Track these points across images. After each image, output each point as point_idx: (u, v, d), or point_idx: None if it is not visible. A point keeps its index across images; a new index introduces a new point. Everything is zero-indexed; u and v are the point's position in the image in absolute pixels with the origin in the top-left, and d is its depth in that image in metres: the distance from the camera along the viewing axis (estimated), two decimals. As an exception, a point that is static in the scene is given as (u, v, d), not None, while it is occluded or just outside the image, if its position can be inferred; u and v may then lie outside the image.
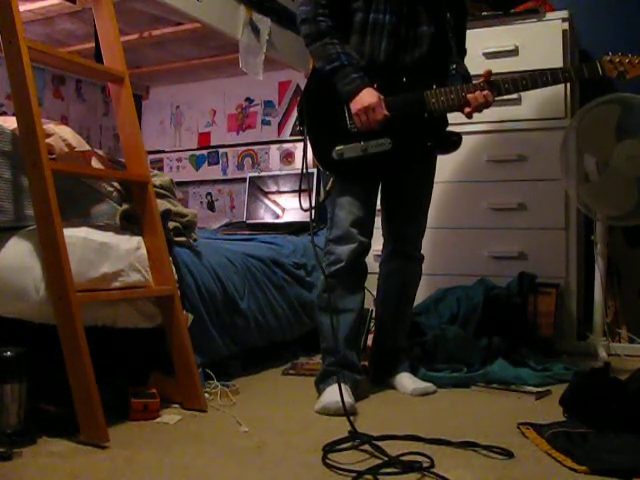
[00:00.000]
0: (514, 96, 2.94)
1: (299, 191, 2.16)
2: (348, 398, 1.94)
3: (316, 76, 2.13)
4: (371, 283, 2.60)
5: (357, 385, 2.09)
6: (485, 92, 2.05)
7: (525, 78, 2.07)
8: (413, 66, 2.08)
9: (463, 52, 2.25)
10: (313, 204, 2.13)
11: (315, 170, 2.95)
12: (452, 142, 2.15)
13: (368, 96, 2.02)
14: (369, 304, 2.71)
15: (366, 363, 2.36)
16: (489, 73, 2.07)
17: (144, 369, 2.05)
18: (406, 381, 2.22)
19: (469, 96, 2.05)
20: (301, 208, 2.14)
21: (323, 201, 2.14)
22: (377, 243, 2.30)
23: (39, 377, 1.71)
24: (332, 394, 1.93)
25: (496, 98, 2.08)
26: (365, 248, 2.13)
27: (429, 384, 2.21)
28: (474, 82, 2.10)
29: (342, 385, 1.99)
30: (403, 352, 2.32)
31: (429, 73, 2.10)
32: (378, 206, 2.24)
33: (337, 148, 2.06)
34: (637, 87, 2.48)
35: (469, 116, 2.09)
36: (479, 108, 2.07)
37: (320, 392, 2.04)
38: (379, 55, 2.07)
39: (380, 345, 2.34)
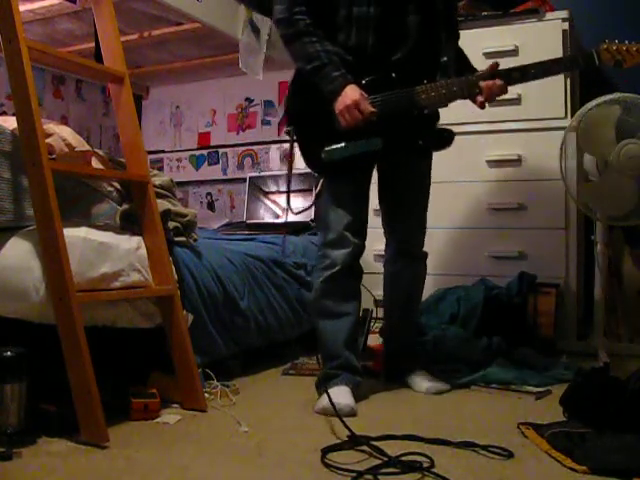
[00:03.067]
0: (514, 96, 2.95)
1: (287, 191, 2.15)
2: (350, 400, 1.95)
3: (300, 75, 2.08)
4: (371, 283, 2.61)
5: (358, 386, 2.09)
6: (497, 81, 1.99)
7: (518, 70, 2.02)
8: (403, 60, 2.02)
9: (456, 36, 2.20)
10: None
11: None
12: (444, 139, 2.10)
13: (350, 94, 1.95)
14: (369, 304, 2.71)
15: (367, 363, 2.36)
16: (496, 64, 2.02)
17: (144, 369, 2.05)
18: (420, 380, 2.21)
19: (482, 84, 2.00)
20: (290, 211, 2.14)
21: (312, 204, 2.12)
22: (379, 243, 2.29)
23: (39, 377, 1.70)
24: (333, 395, 1.92)
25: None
26: (360, 250, 2.11)
27: (443, 382, 2.20)
28: (478, 73, 2.06)
29: (344, 387, 2.00)
30: (417, 349, 2.32)
31: (419, 67, 2.03)
32: (377, 206, 2.23)
33: (326, 149, 2.01)
34: (637, 87, 2.48)
35: (482, 106, 2.03)
36: (493, 96, 2.01)
37: (320, 394, 2.04)
38: (366, 50, 2.00)
39: (392, 345, 2.34)
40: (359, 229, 2.10)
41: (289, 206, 2.21)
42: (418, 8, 2.03)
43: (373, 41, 2.00)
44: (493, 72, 2.02)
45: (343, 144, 2.01)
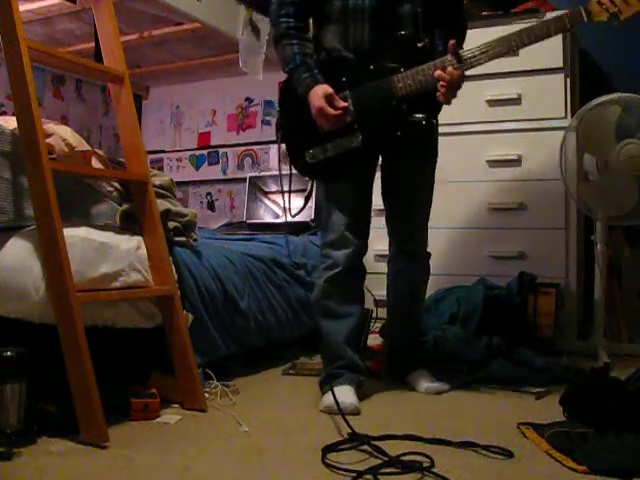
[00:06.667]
0: (513, 96, 2.95)
1: (284, 191, 2.19)
2: (353, 399, 1.95)
3: (287, 81, 2.10)
4: (371, 283, 2.60)
5: (361, 386, 2.09)
6: (449, 69, 1.89)
7: (498, 43, 1.88)
8: (391, 50, 1.97)
9: (461, 25, 2.11)
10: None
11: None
12: (417, 125, 1.99)
13: (317, 95, 1.95)
14: (369, 304, 2.71)
15: (367, 363, 2.36)
16: (453, 46, 1.89)
17: (144, 369, 2.05)
18: (421, 379, 2.20)
19: (436, 74, 1.90)
20: (290, 214, 2.16)
21: (303, 207, 2.14)
22: (379, 242, 2.29)
23: (39, 377, 1.71)
24: (338, 394, 1.92)
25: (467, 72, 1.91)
26: (361, 250, 2.11)
27: (443, 383, 2.20)
28: (442, 59, 1.93)
29: (348, 386, 2.01)
30: (418, 348, 2.31)
31: (405, 56, 1.96)
32: (379, 205, 2.23)
33: (309, 152, 2.04)
34: (637, 87, 2.49)
35: (445, 101, 1.93)
36: (450, 88, 1.89)
37: (324, 393, 2.04)
38: (363, 42, 1.98)
39: (393, 344, 2.33)
40: (360, 229, 2.10)
41: (289, 208, 2.25)
42: None
43: (369, 33, 1.97)
44: (455, 53, 1.88)
45: (324, 145, 2.02)
